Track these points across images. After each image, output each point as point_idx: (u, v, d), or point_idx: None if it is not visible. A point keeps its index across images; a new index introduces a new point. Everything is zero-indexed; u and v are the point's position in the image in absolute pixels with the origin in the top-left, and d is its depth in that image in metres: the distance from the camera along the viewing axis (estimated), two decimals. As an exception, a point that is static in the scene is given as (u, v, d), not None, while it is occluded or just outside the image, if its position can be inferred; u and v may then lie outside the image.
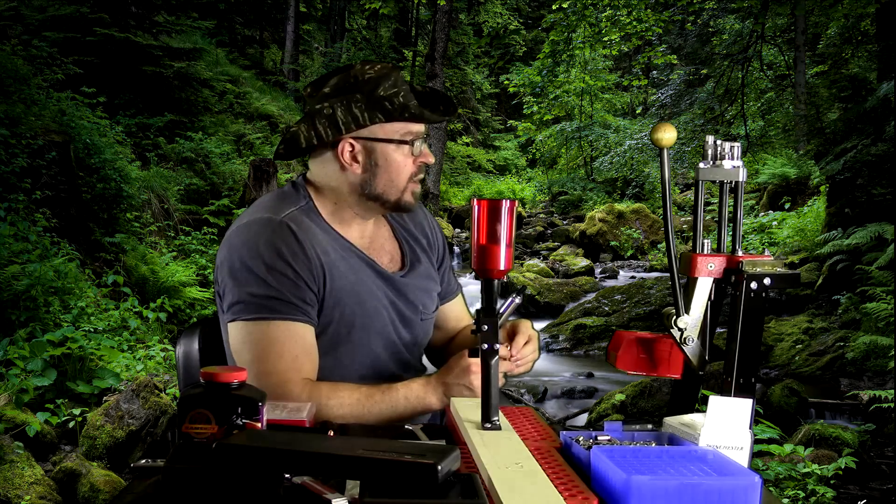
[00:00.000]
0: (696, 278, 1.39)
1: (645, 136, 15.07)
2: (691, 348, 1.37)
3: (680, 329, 1.36)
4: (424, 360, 1.79)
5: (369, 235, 1.63)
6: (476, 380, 1.44)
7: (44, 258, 5.32)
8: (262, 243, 1.46)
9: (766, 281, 1.29)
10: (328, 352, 1.52)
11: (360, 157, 1.54)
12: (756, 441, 3.68)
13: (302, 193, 1.58)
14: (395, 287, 1.61)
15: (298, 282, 1.46)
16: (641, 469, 1.02)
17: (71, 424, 4.07)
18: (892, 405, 4.65)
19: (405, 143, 1.54)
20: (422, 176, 1.59)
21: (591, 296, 8.86)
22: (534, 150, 20.89)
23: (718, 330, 1.43)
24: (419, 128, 1.55)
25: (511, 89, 19.51)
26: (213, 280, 1.60)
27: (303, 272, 1.46)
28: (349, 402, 1.45)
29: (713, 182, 1.44)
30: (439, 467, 0.84)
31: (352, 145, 1.53)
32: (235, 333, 1.47)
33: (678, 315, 1.36)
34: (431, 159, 1.59)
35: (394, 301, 1.60)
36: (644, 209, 13.22)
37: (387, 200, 1.56)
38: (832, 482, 3.64)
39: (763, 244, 9.38)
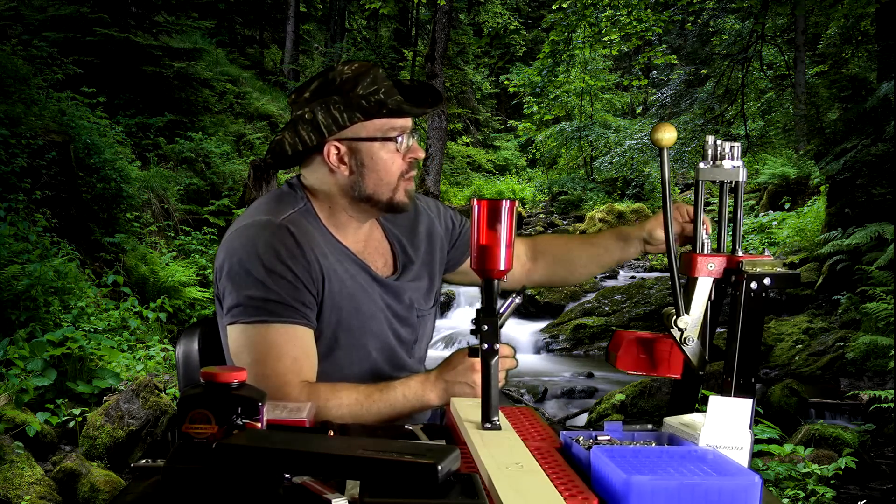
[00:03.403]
0: (696, 278, 1.39)
1: (645, 136, 15.07)
2: (691, 348, 1.37)
3: (680, 329, 1.36)
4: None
5: (363, 240, 1.62)
6: (479, 378, 1.44)
7: (44, 258, 5.32)
8: (261, 246, 1.45)
9: (766, 281, 1.29)
10: (325, 356, 1.52)
11: (346, 159, 1.52)
12: (756, 441, 3.69)
13: (300, 195, 1.56)
14: (389, 291, 1.60)
15: (297, 284, 1.45)
16: (641, 469, 1.02)
17: (71, 424, 4.07)
18: (892, 405, 4.65)
19: (389, 139, 1.51)
20: (414, 173, 1.57)
21: (591, 296, 8.87)
22: (534, 150, 20.88)
23: (718, 330, 1.43)
24: (404, 122, 1.53)
25: (511, 89, 19.50)
26: (212, 282, 1.59)
27: (302, 275, 1.45)
28: (348, 402, 1.45)
29: (713, 182, 1.44)
30: (439, 467, 0.84)
31: (337, 148, 1.51)
32: (235, 336, 1.47)
33: (678, 315, 1.36)
34: (420, 154, 1.56)
35: (389, 304, 1.60)
36: (644, 209, 13.21)
37: (379, 200, 1.54)
38: (832, 482, 3.64)
39: (763, 244, 9.38)
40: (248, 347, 1.45)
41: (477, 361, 1.43)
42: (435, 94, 1.58)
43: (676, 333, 1.37)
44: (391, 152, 1.52)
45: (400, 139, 1.52)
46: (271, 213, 1.51)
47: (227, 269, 1.47)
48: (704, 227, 1.44)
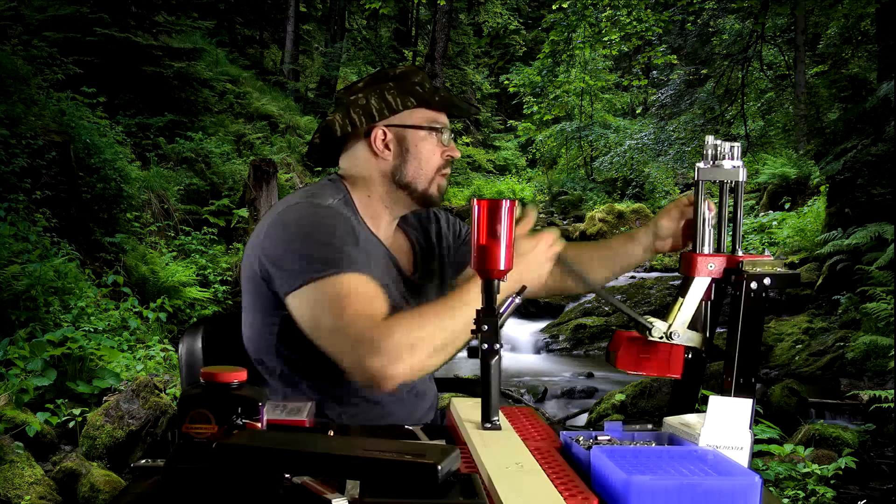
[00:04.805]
0: (693, 277, 1.40)
1: (645, 135, 15.07)
2: (688, 336, 1.38)
3: (661, 334, 1.38)
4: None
5: (392, 236, 1.68)
6: (547, 252, 1.45)
7: (44, 258, 5.32)
8: (317, 217, 1.49)
9: (766, 281, 1.29)
10: None
11: (391, 145, 1.59)
12: (756, 441, 3.69)
13: (339, 186, 1.62)
14: (412, 289, 1.65)
15: (355, 244, 1.48)
16: (641, 469, 1.02)
17: (71, 424, 4.07)
18: (892, 405, 4.65)
19: (434, 129, 1.59)
20: (448, 171, 1.64)
21: (591, 296, 8.86)
22: (534, 150, 20.86)
23: (718, 330, 1.44)
24: (445, 120, 1.63)
25: (511, 89, 19.49)
26: (243, 268, 1.57)
27: (353, 239, 1.49)
28: (423, 323, 1.39)
29: (713, 182, 1.45)
30: (439, 467, 0.84)
31: (384, 133, 1.59)
32: (304, 297, 1.43)
33: (649, 329, 1.38)
34: (457, 153, 1.64)
35: (411, 302, 1.63)
36: (644, 209, 13.21)
37: (415, 189, 1.60)
38: (832, 482, 3.64)
39: (763, 244, 9.38)
40: (325, 300, 1.41)
41: (545, 237, 1.46)
42: (475, 105, 1.70)
43: (658, 331, 1.38)
44: (433, 144, 1.60)
45: (444, 133, 1.61)
46: (317, 197, 1.55)
47: (283, 242, 1.47)
48: (706, 204, 1.44)
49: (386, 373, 1.33)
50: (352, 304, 1.40)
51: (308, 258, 1.44)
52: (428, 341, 1.37)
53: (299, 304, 1.45)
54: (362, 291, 1.42)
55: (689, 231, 1.51)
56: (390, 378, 1.34)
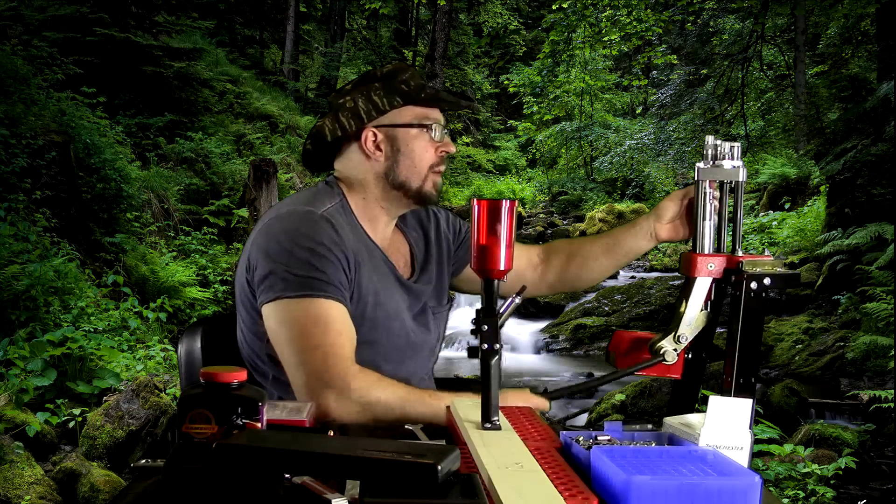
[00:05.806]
0: (694, 277, 1.39)
1: (645, 135, 15.06)
2: (694, 327, 1.39)
3: (674, 351, 1.39)
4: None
5: (389, 238, 1.66)
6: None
7: (44, 258, 5.32)
8: (305, 230, 1.48)
9: (766, 281, 1.29)
10: None
11: (382, 146, 1.58)
12: (756, 441, 3.69)
13: (336, 191, 1.61)
14: (409, 292, 1.64)
15: (338, 266, 1.47)
16: (641, 469, 1.02)
17: (71, 424, 4.08)
18: (892, 405, 4.66)
19: (424, 126, 1.58)
20: (443, 167, 1.62)
21: (591, 296, 8.87)
22: (534, 150, 20.87)
23: (718, 330, 1.44)
24: (437, 115, 1.60)
25: (511, 89, 19.50)
26: (236, 272, 1.60)
27: (341, 259, 1.48)
28: (396, 393, 1.44)
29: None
30: (439, 467, 0.84)
31: (374, 134, 1.57)
32: (276, 312, 1.46)
33: (663, 356, 1.39)
34: (452, 148, 1.62)
35: (409, 305, 1.63)
36: (644, 209, 13.20)
37: (409, 188, 1.59)
38: (832, 482, 3.64)
39: (763, 244, 9.38)
40: (290, 322, 1.45)
41: (533, 397, 1.48)
42: (462, 95, 1.67)
43: (672, 355, 1.39)
44: (425, 141, 1.59)
45: (435, 129, 1.59)
46: (311, 204, 1.54)
47: (266, 250, 1.48)
48: (706, 182, 1.44)
49: (334, 410, 1.40)
50: (319, 334, 1.43)
51: (286, 274, 1.45)
52: (382, 408, 1.42)
53: (268, 316, 1.48)
54: (331, 323, 1.45)
55: (692, 215, 1.51)
56: (335, 416, 1.40)
